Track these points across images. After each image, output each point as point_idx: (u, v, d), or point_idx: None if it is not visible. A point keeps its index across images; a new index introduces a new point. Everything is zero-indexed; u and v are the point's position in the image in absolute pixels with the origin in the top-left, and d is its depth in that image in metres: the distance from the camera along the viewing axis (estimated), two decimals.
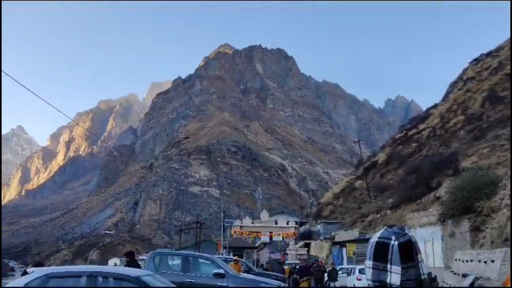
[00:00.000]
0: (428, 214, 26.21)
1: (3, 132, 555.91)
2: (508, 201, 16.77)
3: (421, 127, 59.24)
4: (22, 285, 6.27)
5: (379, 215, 39.67)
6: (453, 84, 67.04)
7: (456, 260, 17.73)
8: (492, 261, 14.24)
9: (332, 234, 45.26)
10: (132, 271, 7.03)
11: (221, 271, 11.95)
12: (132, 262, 12.54)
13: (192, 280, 11.87)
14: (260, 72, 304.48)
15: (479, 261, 15.17)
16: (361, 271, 24.47)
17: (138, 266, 12.33)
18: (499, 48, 58.61)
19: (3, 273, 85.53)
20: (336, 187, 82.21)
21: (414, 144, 53.65)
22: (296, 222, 65.88)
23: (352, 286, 24.25)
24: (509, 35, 56.67)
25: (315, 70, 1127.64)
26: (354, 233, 38.89)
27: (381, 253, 2.23)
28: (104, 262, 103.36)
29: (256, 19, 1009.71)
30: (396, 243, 2.21)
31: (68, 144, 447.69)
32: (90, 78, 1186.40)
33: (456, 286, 15.85)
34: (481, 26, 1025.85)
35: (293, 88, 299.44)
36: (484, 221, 18.28)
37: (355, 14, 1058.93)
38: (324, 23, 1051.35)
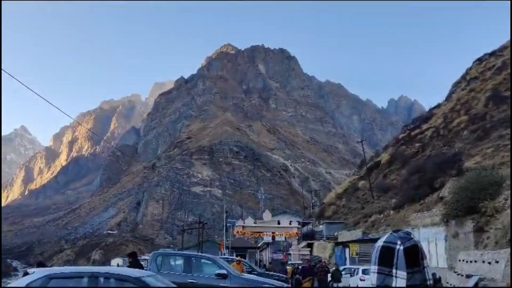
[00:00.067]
0: (431, 215, 26.11)
1: (6, 132, 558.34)
2: None
3: (424, 127, 59.03)
4: (23, 286, 6.23)
5: (382, 215, 39.55)
6: (457, 84, 66.78)
7: (459, 260, 17.62)
8: (497, 261, 14.14)
9: (335, 234, 45.17)
10: (133, 272, 6.98)
11: (224, 271, 11.89)
12: (135, 262, 12.50)
13: (195, 281, 11.81)
14: (262, 72, 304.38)
15: (483, 261, 15.07)
16: (364, 272, 24.37)
17: (141, 267, 12.28)
18: (503, 48, 58.31)
19: (6, 273, 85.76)
20: (339, 187, 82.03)
21: (417, 144, 53.47)
22: (299, 222, 65.83)
23: (356, 286, 24.15)
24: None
25: (317, 70, 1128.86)
26: (357, 234, 38.80)
27: (386, 257, 2.21)
28: (107, 262, 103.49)
29: (259, 19, 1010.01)
30: (402, 247, 2.20)
31: (71, 144, 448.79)
32: (93, 78, 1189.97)
33: (460, 286, 15.74)
34: (484, 25, 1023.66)
35: (295, 88, 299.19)
36: (488, 222, 18.18)
37: (357, 13, 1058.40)
38: (327, 23, 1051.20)
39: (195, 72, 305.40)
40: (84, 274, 6.41)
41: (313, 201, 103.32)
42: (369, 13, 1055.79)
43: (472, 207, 19.04)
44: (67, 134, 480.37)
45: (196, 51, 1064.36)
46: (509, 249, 13.62)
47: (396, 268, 2.17)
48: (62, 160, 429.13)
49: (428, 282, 2.16)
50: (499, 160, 27.60)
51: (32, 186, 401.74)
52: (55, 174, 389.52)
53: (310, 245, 47.63)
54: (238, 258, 20.05)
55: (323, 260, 26.04)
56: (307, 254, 43.14)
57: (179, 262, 12.76)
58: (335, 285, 22.43)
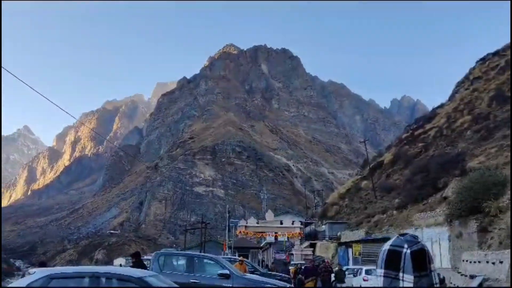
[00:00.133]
0: (434, 215, 26.03)
1: (9, 132, 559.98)
2: None
3: (427, 127, 58.89)
4: (23, 286, 6.18)
5: (385, 215, 39.44)
6: (460, 84, 66.60)
7: (463, 261, 17.52)
8: (501, 262, 14.05)
9: (338, 234, 45.09)
10: (135, 272, 6.94)
11: (226, 271, 11.83)
12: (138, 262, 12.44)
13: (197, 281, 11.76)
14: (265, 72, 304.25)
15: (487, 262, 14.98)
16: (368, 272, 24.28)
17: (144, 267, 12.20)
18: (506, 47, 58.06)
19: (10, 273, 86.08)
20: (342, 187, 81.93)
21: (420, 144, 53.32)
22: (302, 222, 65.70)
23: (359, 286, 24.06)
24: None
25: (320, 70, 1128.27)
26: (360, 234, 38.70)
27: (393, 261, 2.20)
28: (109, 262, 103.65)
29: (261, 19, 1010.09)
30: (409, 251, 2.19)
31: (74, 144, 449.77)
32: (95, 78, 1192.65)
33: (464, 287, 15.66)
34: (487, 25, 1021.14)
35: (298, 88, 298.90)
36: (492, 222, 18.09)
37: (360, 13, 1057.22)
38: (330, 22, 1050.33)
39: (197, 72, 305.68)
40: (85, 274, 6.36)
41: (315, 201, 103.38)
42: (372, 13, 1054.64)
43: (476, 207, 18.95)
44: (70, 134, 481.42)
45: (199, 51, 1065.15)
46: None
47: (403, 272, 2.16)
48: (65, 160, 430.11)
49: (435, 286, 2.16)
50: (502, 160, 27.48)
51: (35, 186, 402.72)
52: (58, 174, 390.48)
53: (312, 245, 47.55)
54: (241, 258, 20.01)
55: (326, 260, 25.97)
56: (310, 254, 43.06)
57: (182, 262, 12.71)
58: (338, 285, 22.37)
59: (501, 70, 51.35)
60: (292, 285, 19.74)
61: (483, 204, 18.27)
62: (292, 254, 46.39)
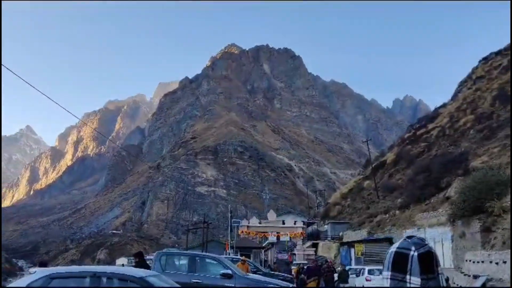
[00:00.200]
0: (437, 215, 25.94)
1: (12, 132, 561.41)
2: None
3: (430, 126, 58.76)
4: (24, 286, 6.12)
5: (387, 215, 39.34)
6: (462, 83, 66.46)
7: (466, 261, 17.45)
8: (504, 262, 13.99)
9: (340, 234, 45.03)
10: (137, 272, 6.88)
11: (229, 271, 11.77)
12: (141, 262, 12.35)
13: (199, 281, 11.70)
14: (267, 72, 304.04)
15: (491, 262, 14.92)
16: (370, 272, 24.22)
17: (147, 267, 12.08)
18: (509, 47, 57.91)
19: (12, 273, 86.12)
20: (344, 187, 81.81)
21: (423, 144, 53.20)
22: (304, 222, 65.63)
23: (361, 286, 24.00)
24: None
25: (322, 70, 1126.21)
26: (362, 234, 38.63)
27: (400, 263, 2.19)
28: (112, 261, 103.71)
29: (263, 19, 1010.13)
30: (416, 253, 2.17)
31: (76, 144, 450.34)
32: (98, 78, 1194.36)
33: (467, 287, 15.58)
34: (490, 24, 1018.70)
35: (300, 88, 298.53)
36: (495, 222, 18.01)
37: (362, 13, 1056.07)
38: (332, 22, 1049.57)
39: (199, 72, 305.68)
40: (86, 274, 6.28)
41: (318, 201, 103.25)
42: (374, 13, 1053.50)
43: (479, 207, 18.87)
44: (72, 134, 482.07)
45: (201, 51, 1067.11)
46: None
47: (410, 274, 2.15)
48: (67, 160, 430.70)
49: None
50: (506, 159, 27.35)
51: (38, 186, 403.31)
52: (60, 174, 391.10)
53: (315, 245, 47.51)
54: (243, 258, 19.94)
55: (329, 260, 25.88)
56: (312, 254, 43.02)
57: (184, 262, 12.64)
58: (341, 285, 22.29)
59: (504, 69, 51.17)
60: (295, 285, 19.68)
61: (486, 204, 18.19)
62: (294, 254, 46.34)
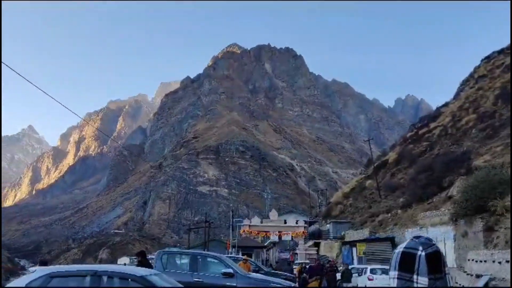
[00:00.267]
0: (440, 214, 25.86)
1: (14, 132, 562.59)
2: None
3: (432, 125, 58.64)
4: (23, 286, 6.05)
5: (389, 214, 39.26)
6: (465, 82, 66.28)
7: (469, 260, 17.37)
8: (507, 261, 13.91)
9: (342, 233, 44.96)
10: (137, 270, 6.82)
11: (230, 270, 11.71)
12: (144, 261, 12.29)
13: (201, 280, 11.64)
14: (268, 71, 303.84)
15: (493, 261, 14.84)
16: (373, 271, 24.15)
17: (150, 266, 12.03)
18: (510, 46, 57.73)
19: (15, 272, 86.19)
20: (346, 186, 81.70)
21: (425, 143, 53.10)
22: (306, 222, 65.45)
23: (364, 286, 23.93)
24: None
25: (324, 69, 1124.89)
26: (364, 233, 38.54)
27: (407, 263, 2.19)
28: (114, 261, 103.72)
29: (265, 18, 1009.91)
30: (424, 253, 2.18)
31: (78, 144, 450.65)
32: (99, 78, 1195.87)
33: (469, 286, 15.51)
34: (491, 24, 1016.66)
35: (302, 88, 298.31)
36: (497, 221, 17.93)
37: (364, 12, 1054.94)
38: (333, 22, 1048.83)
39: (201, 71, 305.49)
40: (86, 273, 6.20)
41: (319, 201, 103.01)
42: (376, 12, 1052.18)
43: (482, 206, 18.79)
44: (74, 134, 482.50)
45: (202, 51, 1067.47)
46: None
47: (418, 274, 2.15)
48: (69, 160, 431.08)
49: None
50: (508, 158, 27.24)
51: (40, 186, 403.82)
52: (62, 173, 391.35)
53: (317, 245, 47.47)
54: (245, 257, 19.90)
55: (331, 260, 25.84)
56: (314, 254, 42.97)
57: (185, 260, 12.57)
58: (344, 285, 22.24)
59: (506, 68, 51.00)
60: (297, 285, 19.63)
61: (489, 203, 18.11)
62: (296, 253, 46.36)
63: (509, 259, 13.68)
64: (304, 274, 21.02)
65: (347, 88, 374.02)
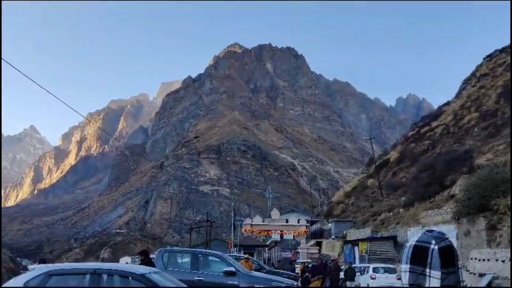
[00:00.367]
0: (442, 212, 25.79)
1: (16, 132, 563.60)
2: None
3: (434, 124, 58.46)
4: (21, 285, 5.96)
5: (391, 213, 39.18)
6: (466, 81, 66.08)
7: (472, 259, 17.28)
8: (510, 260, 13.83)
9: (344, 232, 44.88)
10: (138, 269, 6.75)
11: (232, 269, 11.61)
12: (146, 260, 12.21)
13: (202, 278, 11.55)
14: (270, 71, 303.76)
15: (496, 260, 14.77)
16: (375, 270, 24.07)
17: (153, 265, 11.96)
18: (510, 46, 57.56)
19: (17, 272, 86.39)
20: (348, 185, 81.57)
21: (427, 142, 52.96)
22: (307, 221, 65.37)
23: (366, 285, 23.87)
24: None
25: (325, 69, 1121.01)
26: (366, 232, 38.46)
27: (419, 257, 2.18)
28: (115, 260, 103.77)
29: (266, 18, 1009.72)
30: (437, 247, 2.18)
31: (79, 143, 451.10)
32: (100, 78, 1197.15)
33: (473, 285, 15.42)
34: (493, 23, 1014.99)
35: (303, 87, 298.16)
36: (500, 219, 17.84)
37: (365, 12, 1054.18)
38: (334, 21, 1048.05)
39: (202, 71, 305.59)
40: (86, 271, 6.11)
41: (321, 200, 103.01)
42: (377, 12, 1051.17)
43: (484, 205, 18.70)
44: (75, 133, 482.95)
45: (204, 50, 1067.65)
46: None
47: (430, 268, 2.15)
48: (71, 160, 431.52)
49: (462, 284, 2.15)
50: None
51: (41, 186, 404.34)
52: (64, 173, 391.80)
53: (318, 244, 47.41)
54: (246, 255, 19.84)
55: (334, 259, 25.78)
56: (316, 253, 42.92)
57: (186, 259, 12.49)
58: (348, 284, 22.17)
59: (508, 67, 50.81)
60: (299, 283, 19.56)
61: (492, 202, 18.02)
62: (298, 252, 46.29)
63: None
64: (307, 273, 20.96)
65: (348, 88, 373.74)
